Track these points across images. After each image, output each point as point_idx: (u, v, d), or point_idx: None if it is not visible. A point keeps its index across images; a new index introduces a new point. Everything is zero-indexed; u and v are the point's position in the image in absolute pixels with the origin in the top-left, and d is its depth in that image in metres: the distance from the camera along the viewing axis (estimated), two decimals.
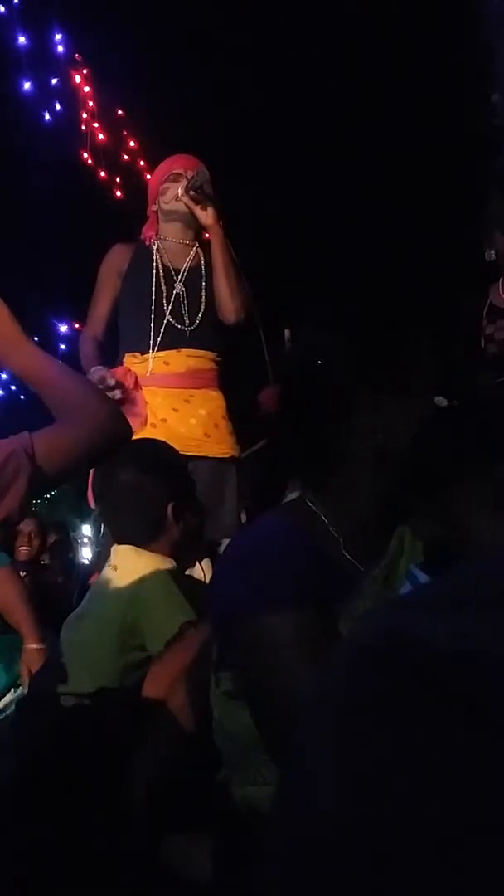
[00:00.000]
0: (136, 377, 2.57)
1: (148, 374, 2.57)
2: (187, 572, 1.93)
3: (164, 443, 2.00)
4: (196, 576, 1.99)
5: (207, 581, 1.99)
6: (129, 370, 2.58)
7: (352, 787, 0.26)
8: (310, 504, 1.01)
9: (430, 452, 0.91)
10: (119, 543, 1.79)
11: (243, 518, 2.64)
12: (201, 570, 2.01)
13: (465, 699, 0.25)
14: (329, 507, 1.00)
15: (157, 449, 1.87)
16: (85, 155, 4.51)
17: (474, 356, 2.61)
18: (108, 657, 1.60)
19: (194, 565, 1.99)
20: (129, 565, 1.71)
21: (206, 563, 2.05)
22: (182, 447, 2.53)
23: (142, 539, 1.75)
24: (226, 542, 2.18)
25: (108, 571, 1.77)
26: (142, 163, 4.53)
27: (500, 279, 2.75)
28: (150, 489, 1.72)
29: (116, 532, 1.82)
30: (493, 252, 2.75)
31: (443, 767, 0.24)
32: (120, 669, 1.59)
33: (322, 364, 1.00)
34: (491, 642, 0.26)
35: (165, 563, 1.71)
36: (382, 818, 0.25)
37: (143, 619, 1.62)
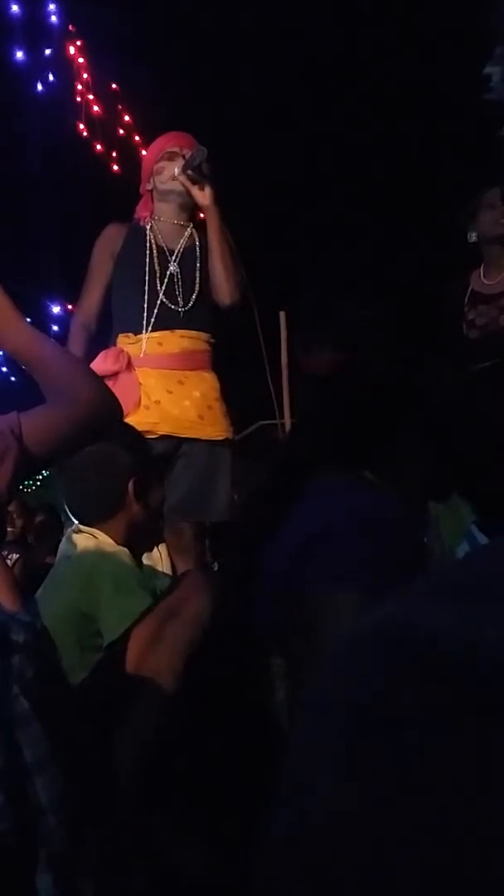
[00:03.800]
0: (130, 358, 2.55)
1: (142, 355, 2.55)
2: (146, 558, 1.91)
3: (128, 424, 1.98)
4: (153, 560, 1.98)
5: (165, 565, 1.98)
6: (123, 350, 2.56)
7: (358, 785, 0.25)
8: (367, 476, 0.98)
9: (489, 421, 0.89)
10: (77, 520, 1.77)
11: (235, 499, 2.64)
12: (159, 555, 2.00)
13: (475, 695, 0.24)
14: (388, 482, 0.98)
15: (123, 426, 1.83)
16: (81, 127, 4.44)
17: (458, 342, 2.62)
18: (66, 646, 1.58)
19: (153, 550, 1.98)
20: (82, 554, 1.69)
21: (163, 547, 2.03)
22: (175, 429, 2.53)
23: (100, 514, 1.72)
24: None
25: (61, 560, 1.75)
26: (137, 138, 4.48)
27: (482, 265, 2.76)
28: (112, 461, 1.69)
29: (74, 507, 1.79)
30: (474, 234, 2.77)
31: (452, 767, 0.23)
32: (79, 657, 1.56)
33: (381, 334, 0.98)
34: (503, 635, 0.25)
35: (119, 550, 1.69)
36: (390, 818, 0.24)
37: (96, 607, 1.60)
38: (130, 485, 1.71)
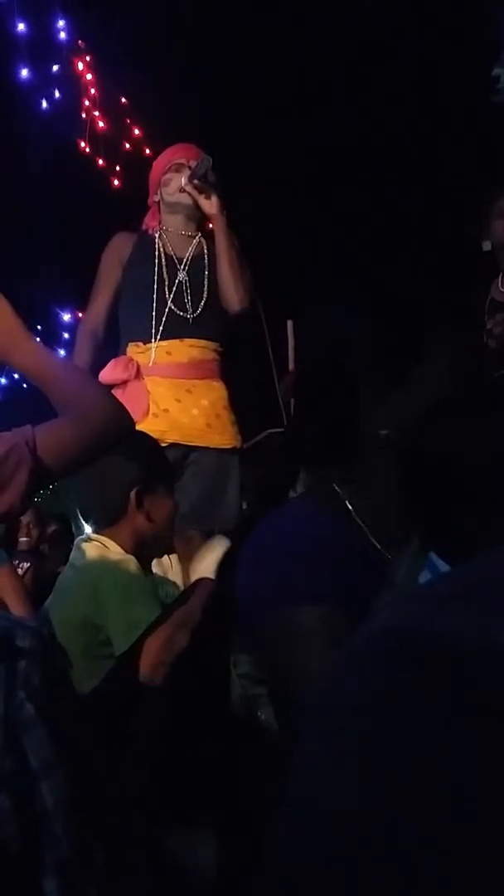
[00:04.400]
0: (139, 366, 2.57)
1: (150, 364, 2.57)
2: (156, 564, 1.90)
3: (142, 432, 1.96)
4: (164, 567, 1.97)
5: (175, 573, 1.98)
6: (132, 359, 2.58)
7: (363, 784, 0.25)
8: (336, 490, 1.00)
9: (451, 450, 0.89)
10: (87, 525, 1.78)
11: (244, 508, 2.64)
12: (169, 562, 1.99)
13: (480, 697, 0.24)
14: (355, 494, 0.99)
15: (135, 434, 1.80)
16: (83, 144, 4.48)
17: (477, 351, 2.62)
18: (74, 655, 1.58)
19: (163, 556, 1.97)
20: (89, 563, 1.68)
21: (174, 557, 2.03)
22: (184, 437, 2.54)
23: (104, 522, 1.73)
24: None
25: (69, 569, 1.75)
26: (147, 151, 4.50)
27: (501, 274, 2.76)
28: (113, 471, 1.67)
29: (84, 513, 1.81)
30: (489, 243, 2.76)
31: (458, 767, 0.24)
32: (87, 665, 1.56)
33: (338, 351, 1.00)
34: None
35: (126, 558, 1.68)
36: (404, 818, 0.24)
37: (103, 616, 1.59)
38: (132, 494, 1.71)
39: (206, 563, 1.69)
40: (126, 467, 1.70)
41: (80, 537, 1.81)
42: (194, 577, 1.68)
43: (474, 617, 0.26)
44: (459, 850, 0.23)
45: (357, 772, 0.25)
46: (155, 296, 2.58)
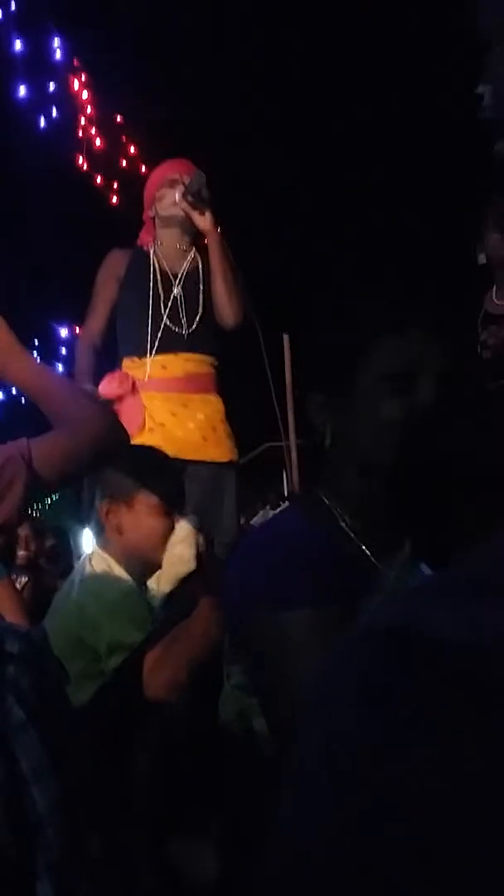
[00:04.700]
0: (134, 381, 2.58)
1: (146, 379, 2.58)
2: (152, 582, 1.87)
3: (147, 447, 1.94)
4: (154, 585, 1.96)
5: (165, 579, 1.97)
6: (127, 374, 2.59)
7: (367, 783, 0.25)
8: (322, 496, 1.01)
9: (433, 458, 0.90)
10: None
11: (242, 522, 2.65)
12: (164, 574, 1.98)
13: (477, 691, 0.24)
14: (338, 500, 1.00)
15: (133, 452, 1.73)
16: (81, 160, 4.52)
17: (472, 363, 2.63)
18: (70, 672, 1.58)
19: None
20: (81, 581, 1.68)
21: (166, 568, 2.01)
22: (180, 451, 2.54)
23: (95, 535, 1.76)
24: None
25: (66, 585, 1.76)
26: (144, 168, 4.54)
27: (493, 286, 2.77)
28: (91, 483, 1.70)
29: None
30: (484, 256, 2.78)
31: (452, 761, 0.24)
32: (82, 682, 1.55)
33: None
34: None
35: (117, 575, 1.67)
36: (399, 810, 0.24)
37: (94, 637, 1.59)
38: (101, 505, 1.71)
39: (176, 552, 1.68)
40: (103, 478, 1.70)
41: (88, 552, 1.81)
42: (167, 565, 1.67)
43: (467, 612, 0.26)
44: (452, 842, 0.23)
45: (353, 769, 0.26)
46: (150, 311, 2.60)
